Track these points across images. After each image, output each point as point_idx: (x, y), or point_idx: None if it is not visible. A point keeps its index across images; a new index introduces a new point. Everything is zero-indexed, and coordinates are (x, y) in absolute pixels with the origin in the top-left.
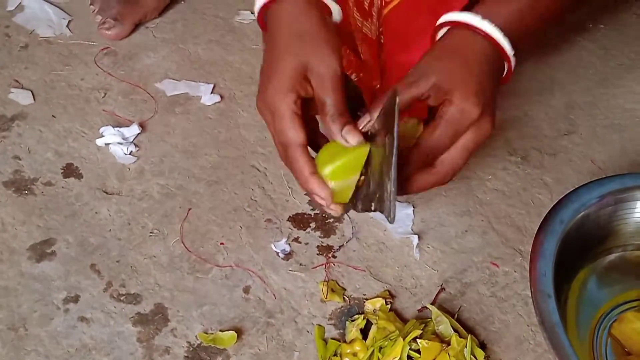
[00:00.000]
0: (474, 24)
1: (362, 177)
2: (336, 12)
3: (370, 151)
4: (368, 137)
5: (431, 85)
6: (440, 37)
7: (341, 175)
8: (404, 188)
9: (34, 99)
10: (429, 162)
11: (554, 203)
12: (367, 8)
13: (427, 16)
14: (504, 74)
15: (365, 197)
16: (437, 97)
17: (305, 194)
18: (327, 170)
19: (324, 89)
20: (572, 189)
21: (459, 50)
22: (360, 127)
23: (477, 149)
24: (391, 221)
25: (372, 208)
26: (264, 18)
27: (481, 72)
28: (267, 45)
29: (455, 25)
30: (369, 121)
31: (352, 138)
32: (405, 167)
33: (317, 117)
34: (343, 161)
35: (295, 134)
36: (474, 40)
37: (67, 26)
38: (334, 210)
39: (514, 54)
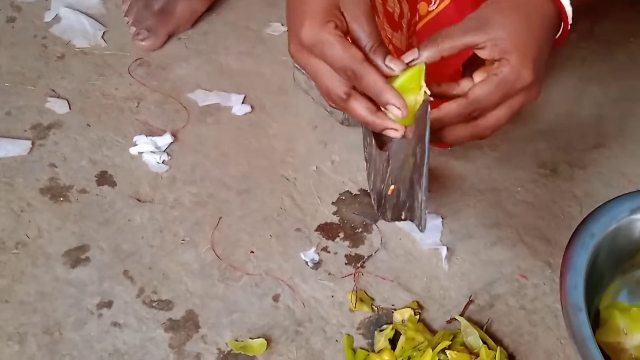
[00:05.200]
0: None
1: (393, 187)
2: None
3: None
4: (390, 149)
5: (490, 38)
6: None
7: (406, 91)
8: (439, 138)
9: (70, 108)
10: (472, 118)
11: (585, 216)
12: (397, 20)
13: None
14: (558, 34)
15: (395, 206)
16: (492, 52)
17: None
18: (395, 84)
19: (359, 20)
20: (602, 203)
21: (522, 6)
22: (406, 60)
23: (522, 109)
24: (422, 229)
25: (403, 217)
26: None
27: (542, 35)
28: None
29: None
30: (416, 57)
31: (396, 65)
32: (445, 115)
33: None
34: (407, 76)
35: (354, 50)
36: None
37: (102, 37)
38: (400, 129)
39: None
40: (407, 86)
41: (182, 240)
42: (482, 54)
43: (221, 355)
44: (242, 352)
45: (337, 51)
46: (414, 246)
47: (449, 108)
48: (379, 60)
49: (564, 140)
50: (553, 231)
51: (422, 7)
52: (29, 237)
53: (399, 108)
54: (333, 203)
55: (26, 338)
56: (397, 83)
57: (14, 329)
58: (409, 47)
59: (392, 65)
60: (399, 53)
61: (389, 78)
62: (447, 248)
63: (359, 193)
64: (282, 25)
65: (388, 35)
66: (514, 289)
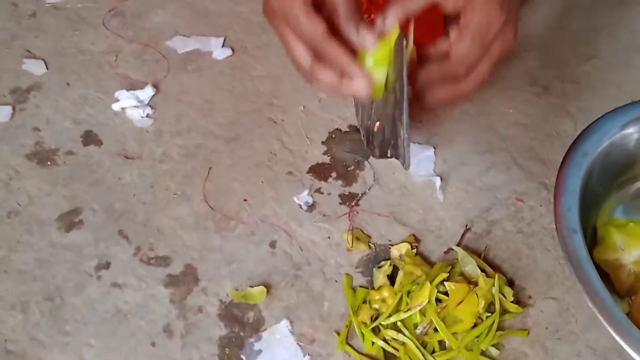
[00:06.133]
0: None
1: (378, 123)
2: None
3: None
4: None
5: None
6: None
7: (381, 63)
8: (423, 99)
9: (47, 68)
10: (456, 78)
11: (577, 135)
12: None
13: None
14: None
15: (381, 143)
16: (456, 3)
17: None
18: (369, 61)
19: None
20: (596, 117)
21: None
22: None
23: (502, 59)
24: (406, 167)
25: (389, 154)
26: None
27: None
28: None
29: None
30: (384, 22)
31: (370, 37)
32: (429, 77)
33: None
34: (381, 48)
35: (318, 24)
36: None
37: None
38: (366, 91)
39: None
40: (381, 58)
41: (174, 194)
42: (447, 8)
43: (223, 306)
44: (244, 301)
45: (300, 23)
46: (408, 179)
47: (432, 70)
48: (351, 33)
49: (555, 55)
50: (547, 151)
51: None
52: (20, 205)
53: (362, 85)
54: (323, 142)
55: (29, 306)
56: (371, 56)
57: (15, 298)
58: None
59: (365, 39)
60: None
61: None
62: (441, 178)
63: (348, 130)
64: None
65: None
66: (511, 214)
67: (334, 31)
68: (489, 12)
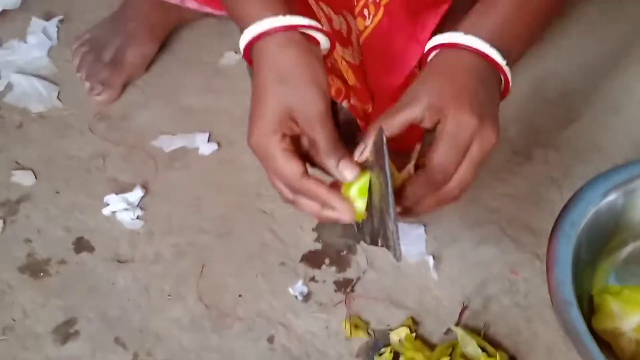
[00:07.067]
0: (458, 41)
1: (367, 212)
2: (323, 41)
3: (370, 183)
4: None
5: (424, 107)
6: (429, 62)
7: (363, 193)
8: (411, 212)
9: (36, 178)
10: (441, 184)
11: (565, 200)
12: (345, 36)
13: (403, 38)
14: (502, 86)
15: (371, 231)
16: (431, 118)
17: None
18: (353, 190)
19: (312, 128)
20: (580, 181)
21: (446, 68)
22: (356, 158)
23: (484, 159)
24: (397, 259)
25: (379, 244)
26: (251, 56)
27: (472, 84)
28: (252, 86)
29: (441, 47)
30: (364, 149)
31: (349, 173)
32: (414, 191)
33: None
34: (363, 181)
35: (294, 166)
36: (460, 57)
37: (58, 97)
38: (349, 218)
39: (508, 64)
40: (364, 188)
41: (169, 295)
42: (426, 125)
43: None
44: None
45: (277, 165)
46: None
47: (413, 186)
48: (332, 168)
49: (533, 123)
50: (537, 220)
51: (359, 22)
52: (14, 320)
53: (344, 216)
54: (314, 229)
55: None
56: (355, 187)
57: None
58: (362, 60)
59: (345, 172)
60: (352, 68)
61: None
62: (434, 256)
63: None
64: (236, 53)
65: (340, 52)
66: (506, 288)
67: (313, 161)
68: (459, 118)
